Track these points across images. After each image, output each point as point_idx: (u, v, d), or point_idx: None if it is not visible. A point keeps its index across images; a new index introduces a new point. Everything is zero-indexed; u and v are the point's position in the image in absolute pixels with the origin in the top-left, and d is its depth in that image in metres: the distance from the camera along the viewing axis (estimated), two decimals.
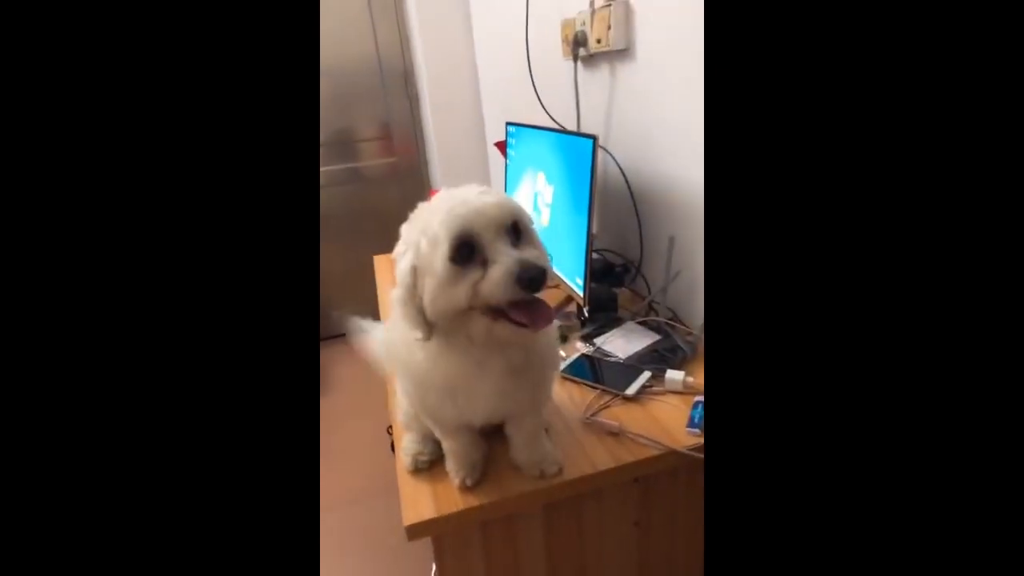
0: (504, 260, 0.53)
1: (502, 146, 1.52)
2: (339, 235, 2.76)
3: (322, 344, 2.87)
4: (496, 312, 0.56)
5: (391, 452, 0.82)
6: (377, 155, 2.74)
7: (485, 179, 2.40)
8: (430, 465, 0.76)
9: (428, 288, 0.55)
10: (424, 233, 0.55)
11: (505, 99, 1.95)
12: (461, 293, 0.54)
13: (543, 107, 1.43)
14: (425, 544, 0.73)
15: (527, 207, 1.31)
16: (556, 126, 1.37)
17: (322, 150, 2.65)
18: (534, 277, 0.53)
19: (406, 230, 0.60)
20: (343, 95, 2.57)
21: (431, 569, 0.74)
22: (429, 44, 2.28)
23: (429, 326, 0.57)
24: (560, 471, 0.73)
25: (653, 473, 0.78)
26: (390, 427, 0.88)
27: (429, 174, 2.75)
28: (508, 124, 1.43)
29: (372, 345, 0.79)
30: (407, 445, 0.78)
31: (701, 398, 0.84)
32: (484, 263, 0.54)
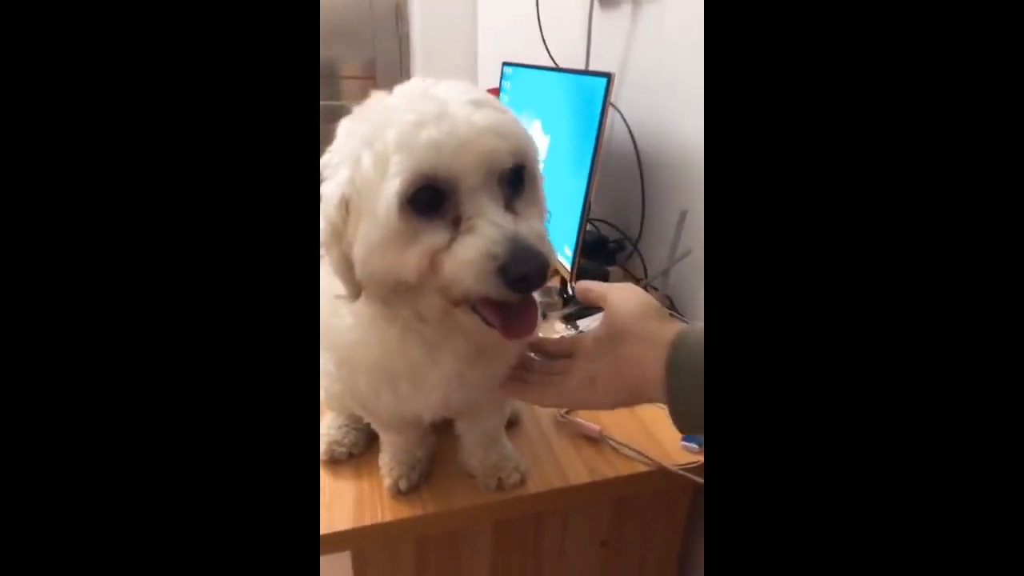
0: (487, 232, 0.34)
1: (496, 93, 1.33)
2: None
3: None
4: (459, 300, 0.37)
5: None
6: (360, 95, 2.50)
7: None
8: (350, 457, 0.60)
9: (362, 235, 0.36)
10: (370, 145, 0.36)
11: (504, 44, 1.75)
12: (410, 260, 0.35)
13: (547, 51, 1.24)
14: None
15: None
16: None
17: None
18: (528, 275, 0.33)
19: (345, 131, 0.40)
20: (328, 28, 2.35)
21: None
22: None
23: (359, 284, 0.39)
24: (523, 481, 0.58)
25: (633, 493, 0.64)
26: None
27: None
28: (504, 64, 1.24)
29: None
30: (324, 429, 0.61)
31: None
32: (456, 222, 0.35)
